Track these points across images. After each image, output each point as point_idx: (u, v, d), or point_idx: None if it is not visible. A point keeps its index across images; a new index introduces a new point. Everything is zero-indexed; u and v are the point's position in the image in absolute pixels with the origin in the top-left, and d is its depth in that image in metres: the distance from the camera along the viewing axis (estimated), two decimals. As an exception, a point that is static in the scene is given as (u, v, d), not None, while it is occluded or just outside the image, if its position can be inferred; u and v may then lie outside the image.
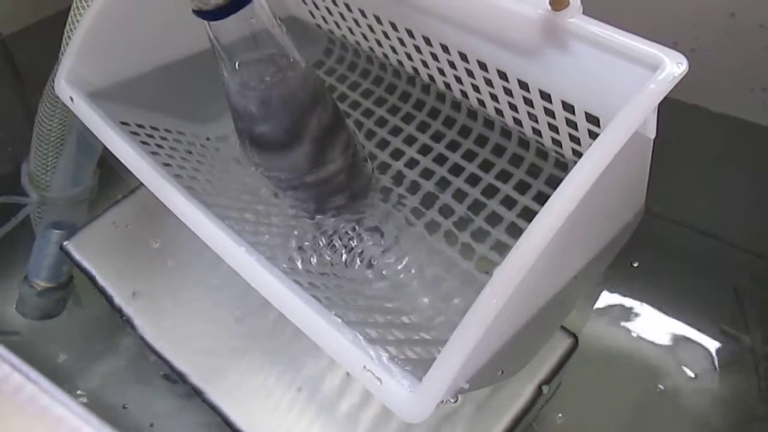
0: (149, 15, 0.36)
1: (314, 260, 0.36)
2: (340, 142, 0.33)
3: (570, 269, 0.32)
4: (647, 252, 0.39)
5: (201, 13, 0.25)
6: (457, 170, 0.39)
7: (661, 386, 0.35)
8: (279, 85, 0.29)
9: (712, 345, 0.36)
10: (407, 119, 0.42)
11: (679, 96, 0.43)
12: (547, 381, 0.33)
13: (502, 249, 0.36)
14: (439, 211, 0.38)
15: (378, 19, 0.38)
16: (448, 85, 0.40)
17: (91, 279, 0.40)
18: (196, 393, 0.35)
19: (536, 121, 0.34)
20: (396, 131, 0.42)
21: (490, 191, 0.38)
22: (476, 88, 0.37)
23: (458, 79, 0.37)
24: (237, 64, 0.28)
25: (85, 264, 0.41)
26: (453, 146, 0.40)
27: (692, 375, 0.35)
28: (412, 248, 0.37)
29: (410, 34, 0.37)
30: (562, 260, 0.29)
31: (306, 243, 0.37)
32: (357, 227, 0.38)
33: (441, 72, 0.38)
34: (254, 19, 0.26)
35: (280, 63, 0.29)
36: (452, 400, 0.32)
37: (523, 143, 0.38)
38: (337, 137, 0.33)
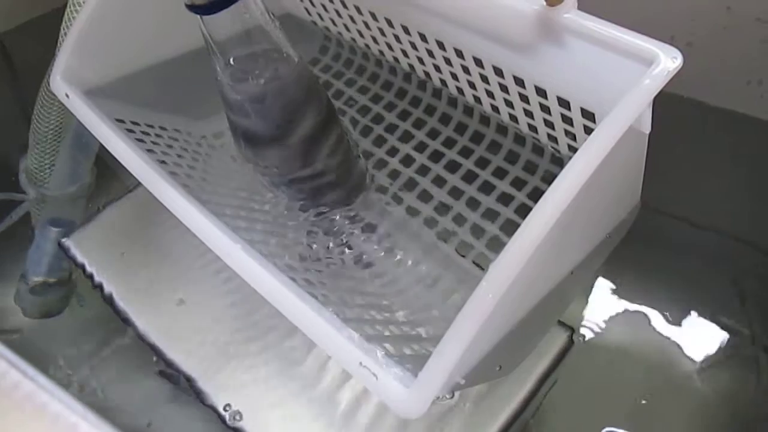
0: (145, 12, 0.36)
1: (310, 257, 0.36)
2: (334, 138, 0.33)
3: (566, 264, 0.32)
4: (645, 246, 0.39)
5: (194, 8, 0.25)
6: (453, 167, 0.39)
7: (660, 380, 0.35)
8: (272, 80, 0.29)
9: (713, 338, 0.36)
10: (403, 116, 0.42)
11: (676, 90, 0.44)
12: (545, 377, 0.33)
13: (499, 245, 0.36)
14: (435, 208, 0.38)
15: (374, 16, 0.38)
16: (444, 82, 0.39)
17: (89, 277, 0.40)
18: (194, 390, 0.35)
19: (532, 117, 0.34)
20: (392, 128, 0.42)
21: (486, 188, 0.38)
22: (472, 85, 0.37)
23: (454, 76, 0.37)
24: (230, 59, 0.28)
25: (84, 262, 0.41)
26: (449, 143, 0.40)
27: (692, 369, 0.35)
28: (408, 245, 0.37)
29: (406, 30, 0.37)
30: (558, 256, 0.29)
31: (302, 240, 0.37)
32: (353, 224, 0.38)
33: (437, 68, 0.38)
34: (248, 14, 0.26)
35: (273, 59, 0.29)
36: (448, 396, 0.32)
37: (519, 139, 0.38)
38: (330, 133, 0.33)
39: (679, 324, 0.37)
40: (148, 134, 0.35)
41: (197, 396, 0.35)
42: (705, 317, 0.37)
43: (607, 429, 0.34)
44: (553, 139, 0.35)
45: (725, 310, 0.37)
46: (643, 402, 0.35)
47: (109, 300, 0.39)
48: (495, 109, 0.37)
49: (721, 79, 0.42)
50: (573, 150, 0.34)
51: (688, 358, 0.36)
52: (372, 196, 0.39)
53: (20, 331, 0.43)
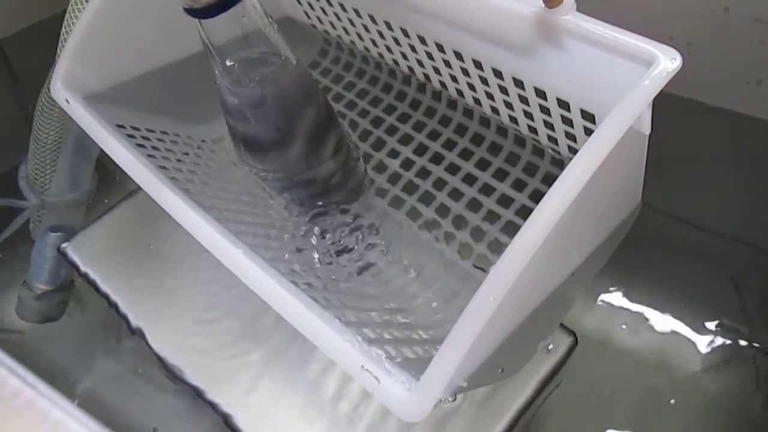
0: (144, 17, 0.36)
1: (311, 261, 0.36)
2: (333, 141, 0.33)
3: (567, 266, 0.32)
4: (645, 247, 0.39)
5: (192, 11, 0.25)
6: (453, 169, 0.39)
7: (661, 381, 0.35)
8: (270, 84, 0.29)
9: (713, 339, 0.36)
10: (403, 119, 0.42)
11: (675, 90, 0.43)
12: (548, 379, 0.33)
13: (500, 247, 0.36)
14: (436, 210, 0.38)
15: (372, 19, 0.38)
16: (443, 84, 0.40)
17: (90, 282, 0.40)
18: (197, 394, 0.35)
19: (532, 119, 0.34)
20: (392, 131, 0.42)
21: (487, 190, 0.38)
22: (471, 87, 0.37)
23: (453, 78, 0.37)
24: (229, 63, 0.28)
25: (84, 267, 0.41)
26: (449, 145, 0.40)
27: (693, 370, 0.35)
28: (410, 248, 0.37)
29: (405, 33, 0.37)
30: (559, 257, 0.29)
31: (302, 243, 0.37)
32: (354, 228, 0.38)
33: (436, 71, 0.38)
34: (246, 18, 0.26)
35: (271, 62, 0.29)
36: (451, 399, 0.32)
37: (519, 141, 0.38)
38: (329, 136, 0.33)
39: (679, 325, 0.37)
40: (148, 139, 0.35)
41: (200, 397, 0.35)
42: (705, 318, 0.37)
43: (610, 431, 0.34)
44: (554, 140, 0.35)
45: (725, 310, 0.37)
46: (645, 403, 0.35)
47: (110, 305, 0.39)
48: (495, 110, 0.37)
49: (720, 79, 0.42)
50: (573, 151, 0.34)
51: (689, 359, 0.36)
52: (372, 199, 0.39)
53: (21, 332, 0.43)
